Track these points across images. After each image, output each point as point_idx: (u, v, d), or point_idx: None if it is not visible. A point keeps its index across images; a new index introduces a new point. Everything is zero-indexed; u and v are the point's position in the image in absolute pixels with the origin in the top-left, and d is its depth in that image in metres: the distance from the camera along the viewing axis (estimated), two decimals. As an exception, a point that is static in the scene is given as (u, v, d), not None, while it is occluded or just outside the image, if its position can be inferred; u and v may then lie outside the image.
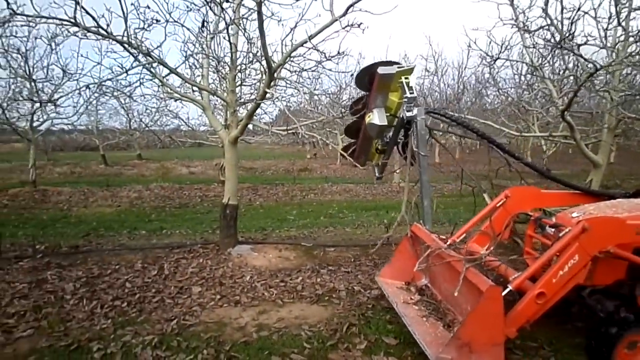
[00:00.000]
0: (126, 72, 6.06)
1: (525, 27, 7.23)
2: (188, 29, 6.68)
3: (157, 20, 5.98)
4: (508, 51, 8.47)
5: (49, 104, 13.84)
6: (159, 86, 8.50)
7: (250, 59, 6.68)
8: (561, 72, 8.49)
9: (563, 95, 7.56)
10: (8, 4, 5.35)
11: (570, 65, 8.16)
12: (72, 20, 5.49)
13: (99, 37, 6.01)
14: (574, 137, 6.91)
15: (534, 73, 8.46)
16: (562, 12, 6.33)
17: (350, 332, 4.41)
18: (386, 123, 5.12)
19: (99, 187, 15.58)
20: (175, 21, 6.27)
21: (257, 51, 6.66)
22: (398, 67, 4.94)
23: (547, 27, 6.72)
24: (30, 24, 6.05)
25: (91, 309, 5.02)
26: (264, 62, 5.48)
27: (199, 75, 7.79)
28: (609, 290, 3.90)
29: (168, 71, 6.36)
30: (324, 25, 4.85)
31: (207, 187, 15.99)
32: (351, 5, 4.78)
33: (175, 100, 9.13)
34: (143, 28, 6.05)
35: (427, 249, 4.25)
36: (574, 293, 4.02)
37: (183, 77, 6.50)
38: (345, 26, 4.70)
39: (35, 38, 12.75)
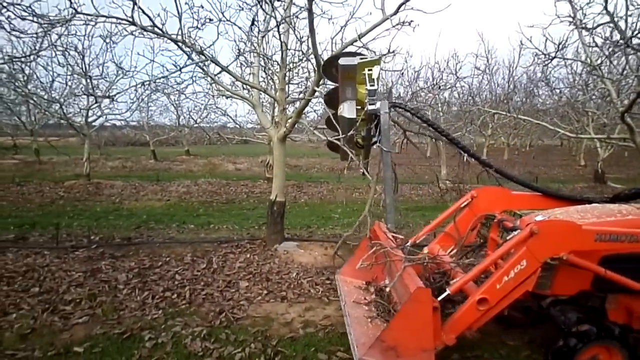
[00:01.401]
0: (180, 70, 6.22)
1: (584, 25, 6.99)
2: (240, 28, 6.80)
3: (210, 20, 6.10)
4: (563, 50, 8.20)
5: (105, 99, 14.37)
6: (210, 84, 8.67)
7: (300, 57, 6.73)
8: (622, 72, 8.15)
9: (623, 97, 7.26)
10: (71, 3, 5.57)
11: (632, 64, 7.83)
12: (130, 20, 5.67)
13: (154, 35, 6.18)
14: (634, 140, 6.62)
15: (592, 72, 8.16)
16: (626, 10, 6.09)
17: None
18: (355, 116, 4.91)
19: (149, 182, 16.05)
20: (227, 20, 6.39)
21: (307, 49, 6.71)
22: (361, 59, 4.72)
23: (608, 25, 6.47)
24: (90, 23, 6.27)
25: (143, 299, 5.19)
26: (313, 60, 5.50)
27: (248, 74, 7.90)
28: (576, 301, 3.70)
29: (220, 69, 6.48)
30: (374, 24, 4.83)
31: (253, 183, 16.20)
32: (403, 4, 4.74)
33: (227, 98, 9.30)
34: (197, 27, 6.20)
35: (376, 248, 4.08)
36: (534, 302, 3.84)
37: (234, 75, 6.61)
38: (396, 24, 4.66)
39: (92, 36, 13.20)
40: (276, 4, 6.31)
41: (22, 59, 11.57)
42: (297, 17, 6.29)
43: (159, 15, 5.95)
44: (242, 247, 7.19)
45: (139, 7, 5.69)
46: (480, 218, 4.59)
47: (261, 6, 6.14)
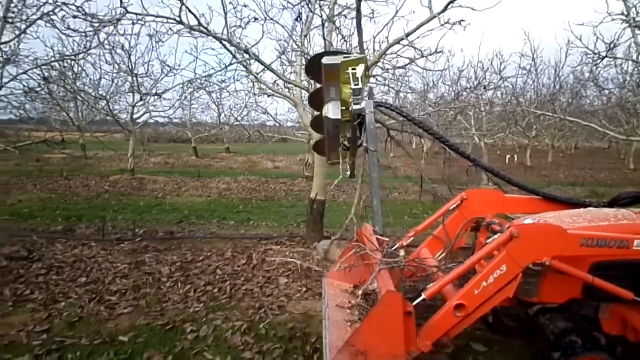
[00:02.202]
0: (225, 68, 6.33)
1: (637, 23, 6.74)
2: (282, 27, 6.87)
3: (255, 19, 6.17)
4: (614, 49, 7.91)
5: (150, 97, 14.76)
6: (253, 82, 8.77)
7: (345, 56, 6.71)
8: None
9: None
10: (121, 2, 5.73)
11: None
12: (178, 19, 5.79)
13: (199, 34, 6.29)
14: (688, 144, 6.35)
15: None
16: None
17: (438, 334, 4.32)
18: (340, 117, 4.77)
19: (191, 178, 16.35)
20: (271, 19, 6.46)
21: (349, 47, 6.70)
22: (344, 57, 4.48)
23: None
24: (139, 22, 6.44)
25: (185, 292, 5.30)
26: (358, 59, 5.48)
27: (290, 72, 7.95)
28: (567, 310, 3.50)
29: (262, 67, 6.55)
30: (422, 22, 4.77)
31: (291, 181, 16.28)
32: (451, 2, 4.67)
33: (268, 96, 9.39)
34: (240, 26, 6.28)
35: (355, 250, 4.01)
36: (521, 309, 3.65)
37: (277, 74, 6.67)
38: (445, 23, 4.59)
39: (139, 35, 13.57)
40: (320, 2, 6.33)
41: (72, 57, 11.94)
42: (344, 16, 6.28)
43: (203, 15, 6.06)
44: (282, 244, 7.25)
45: (186, 7, 5.81)
46: (471, 221, 4.35)
47: (307, 4, 6.18)
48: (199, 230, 8.58)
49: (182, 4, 5.68)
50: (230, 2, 6.17)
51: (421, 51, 5.25)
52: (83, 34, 8.56)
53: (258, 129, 22.65)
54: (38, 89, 10.94)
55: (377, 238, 4.08)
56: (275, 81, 8.79)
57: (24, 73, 8.55)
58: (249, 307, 4.93)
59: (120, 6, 5.78)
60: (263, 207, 11.63)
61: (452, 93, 13.92)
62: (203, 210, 10.80)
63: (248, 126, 23.48)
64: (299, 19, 6.75)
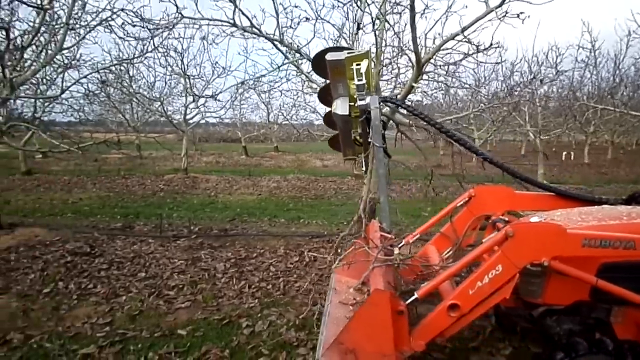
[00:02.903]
0: (278, 68, 6.41)
1: None
2: (333, 26, 6.89)
3: (307, 18, 6.22)
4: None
5: (205, 98, 15.21)
6: (303, 81, 8.83)
7: (397, 53, 6.67)
8: None
9: None
10: (177, 8, 5.91)
11: None
12: (231, 21, 5.91)
13: (251, 36, 6.39)
14: None
15: None
16: None
17: (494, 336, 4.23)
18: (348, 113, 4.58)
19: (241, 176, 16.66)
20: (322, 18, 6.49)
21: (399, 44, 6.63)
22: (348, 53, 4.37)
23: None
24: (194, 26, 6.61)
25: (240, 288, 5.41)
26: (412, 56, 5.44)
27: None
28: (577, 312, 3.29)
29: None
30: (478, 16, 4.67)
31: (340, 180, 16.30)
32: (510, -6, 4.55)
33: (319, 95, 9.43)
34: (291, 26, 6.34)
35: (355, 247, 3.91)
36: (526, 310, 3.46)
37: (329, 72, 6.68)
38: (502, 16, 4.48)
39: (192, 38, 13.96)
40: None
41: (129, 61, 12.36)
42: (399, 14, 6.22)
43: (254, 16, 6.16)
44: (333, 242, 7.26)
45: (239, 9, 5.92)
46: (479, 218, 4.25)
47: (357, 2, 6.17)
48: (252, 227, 8.73)
49: (235, 6, 5.79)
50: (280, 4, 6.25)
51: (476, 46, 5.14)
52: (140, 39, 8.87)
53: (307, 127, 22.79)
54: (97, 91, 11.42)
55: (382, 235, 4.05)
56: (325, 80, 8.80)
57: (84, 77, 8.95)
58: (302, 304, 4.97)
59: (177, 12, 5.95)
60: (313, 206, 11.70)
61: (505, 88, 13.51)
62: (254, 208, 10.98)
63: (298, 125, 23.66)
64: (359, 27, 6.70)
